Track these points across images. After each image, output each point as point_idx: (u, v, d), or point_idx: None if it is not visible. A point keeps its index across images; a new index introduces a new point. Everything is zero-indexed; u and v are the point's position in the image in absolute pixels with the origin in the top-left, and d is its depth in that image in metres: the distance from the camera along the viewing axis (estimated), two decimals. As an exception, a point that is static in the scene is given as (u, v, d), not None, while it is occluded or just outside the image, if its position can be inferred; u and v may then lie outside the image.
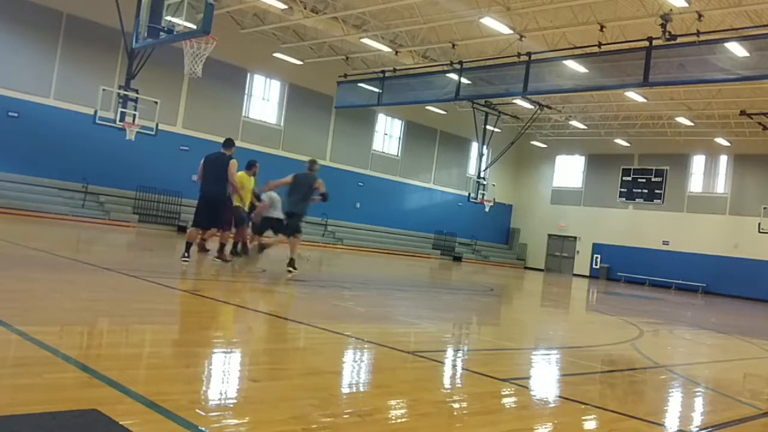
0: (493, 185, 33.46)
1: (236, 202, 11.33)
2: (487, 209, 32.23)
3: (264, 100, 27.78)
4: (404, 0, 20.10)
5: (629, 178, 35.22)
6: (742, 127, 29.86)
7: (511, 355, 5.53)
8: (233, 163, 9.75)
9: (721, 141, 30.84)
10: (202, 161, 10.05)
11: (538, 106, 29.68)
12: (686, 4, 16.90)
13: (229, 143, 10.11)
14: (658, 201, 33.99)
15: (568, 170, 38.21)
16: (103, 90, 19.81)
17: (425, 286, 13.36)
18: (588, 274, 35.81)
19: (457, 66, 22.91)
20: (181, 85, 24.23)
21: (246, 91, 26.96)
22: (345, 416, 2.76)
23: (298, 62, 26.95)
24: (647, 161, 34.64)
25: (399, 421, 2.89)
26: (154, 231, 21.68)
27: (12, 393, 2.50)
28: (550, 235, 38.31)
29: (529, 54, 20.60)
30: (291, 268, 9.73)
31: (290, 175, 10.33)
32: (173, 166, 23.05)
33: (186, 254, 9.51)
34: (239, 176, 10.95)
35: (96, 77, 21.42)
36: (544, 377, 4.65)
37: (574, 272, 36.54)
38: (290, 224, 10.30)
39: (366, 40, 23.63)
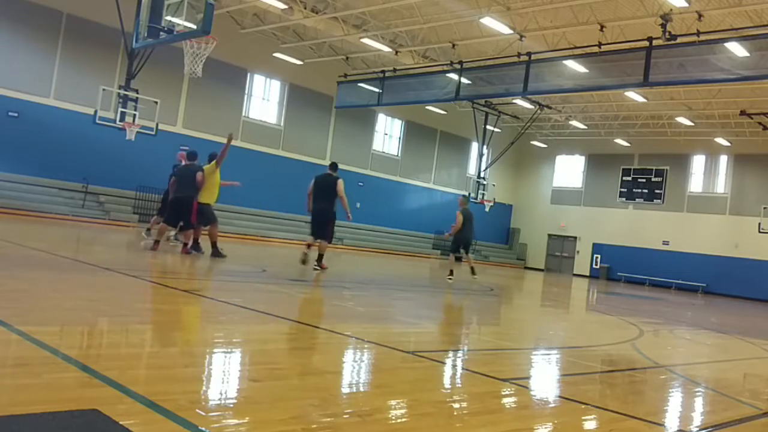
0: (493, 185, 33.48)
1: (205, 200, 11.61)
2: (487, 209, 32.23)
3: (264, 100, 27.79)
4: (404, 0, 20.11)
5: (629, 178, 35.24)
6: (742, 127, 29.87)
7: (511, 355, 5.53)
8: (341, 182, 11.34)
9: (721, 141, 30.85)
10: (312, 181, 11.56)
11: (538, 106, 29.69)
12: (686, 4, 16.91)
13: (334, 166, 11.89)
14: (658, 201, 34.00)
15: (568, 170, 38.22)
16: (103, 90, 19.83)
17: (425, 286, 13.36)
18: (588, 274, 35.82)
19: (457, 66, 22.92)
20: (181, 85, 24.24)
21: (246, 91, 26.97)
22: (345, 416, 2.76)
23: (298, 62, 26.96)
24: (647, 161, 34.65)
25: (399, 421, 2.89)
26: (154, 231, 21.65)
27: (12, 393, 2.50)
28: (550, 235, 38.33)
29: (529, 54, 20.61)
30: (451, 277, 13.59)
31: (460, 215, 14.03)
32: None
33: (316, 265, 11.14)
34: (210, 168, 11.83)
35: (96, 77, 21.44)
36: (544, 377, 4.65)
37: (574, 272, 36.56)
38: (466, 249, 14.20)
39: (366, 40, 23.64)
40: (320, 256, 11.31)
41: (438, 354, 4.89)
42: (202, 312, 5.68)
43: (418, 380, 3.79)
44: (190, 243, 11.72)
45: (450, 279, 13.81)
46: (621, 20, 19.06)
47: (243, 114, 26.91)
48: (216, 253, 11.47)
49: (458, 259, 14.77)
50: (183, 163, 12.25)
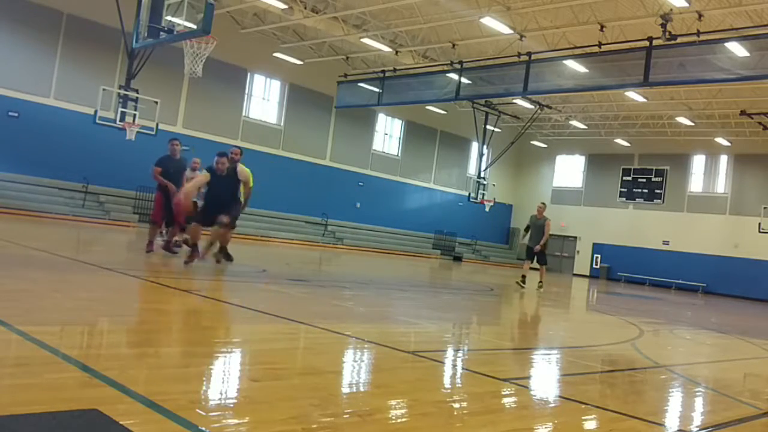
0: (493, 185, 33.47)
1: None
2: (487, 209, 32.24)
3: (264, 100, 27.78)
4: (404, 0, 20.11)
5: (629, 178, 35.23)
6: (743, 127, 29.86)
7: (511, 355, 5.53)
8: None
9: (722, 141, 30.84)
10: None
11: (538, 106, 29.68)
12: (686, 4, 16.90)
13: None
14: (659, 201, 33.99)
15: (568, 170, 38.22)
16: (103, 90, 19.81)
17: (425, 286, 13.37)
18: (588, 274, 35.81)
19: (457, 66, 22.92)
20: (181, 85, 24.23)
21: (246, 91, 26.97)
22: (345, 416, 2.76)
23: (298, 62, 26.96)
24: (647, 161, 34.64)
25: (399, 421, 2.89)
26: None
27: (12, 393, 2.50)
28: (550, 235, 38.24)
29: (529, 54, 20.60)
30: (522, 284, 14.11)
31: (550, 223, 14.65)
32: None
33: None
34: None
35: (96, 77, 21.43)
36: (544, 377, 4.65)
37: (575, 272, 36.55)
38: (538, 259, 14.64)
39: (366, 40, 23.63)
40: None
41: (438, 354, 4.89)
42: (202, 312, 5.68)
43: (418, 380, 3.79)
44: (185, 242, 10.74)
45: (523, 286, 14.35)
46: (621, 20, 19.05)
47: (243, 114, 26.90)
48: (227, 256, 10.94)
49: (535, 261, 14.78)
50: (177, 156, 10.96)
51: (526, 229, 15.02)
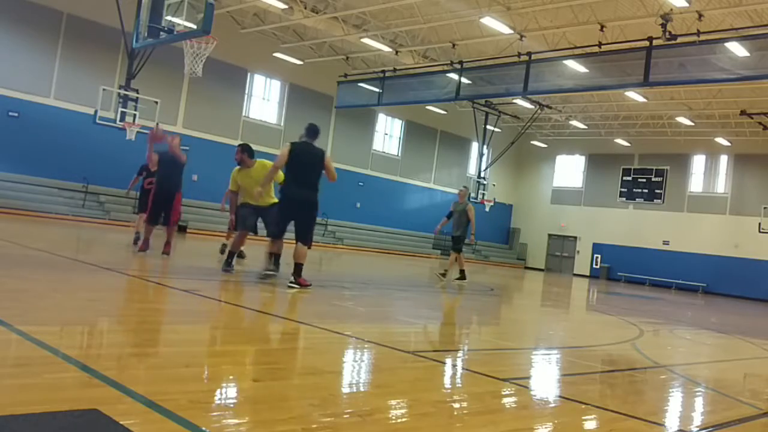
0: (494, 185, 33.47)
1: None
2: (487, 209, 32.23)
3: (264, 99, 27.79)
4: (404, 0, 20.11)
5: (629, 178, 35.23)
6: (743, 127, 29.87)
7: (511, 355, 5.53)
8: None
9: (722, 141, 30.85)
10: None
11: (538, 106, 29.69)
12: (686, 4, 16.90)
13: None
14: (659, 201, 34.00)
15: (569, 170, 38.22)
16: (104, 90, 19.83)
17: (425, 286, 13.36)
18: (588, 274, 35.81)
19: (457, 66, 22.92)
20: (181, 85, 24.23)
21: (246, 91, 26.97)
22: (345, 416, 2.75)
23: (299, 62, 26.96)
24: (647, 161, 34.65)
25: (399, 421, 2.89)
26: (155, 231, 21.62)
27: (12, 393, 2.49)
28: (550, 235, 38.32)
29: (529, 54, 20.61)
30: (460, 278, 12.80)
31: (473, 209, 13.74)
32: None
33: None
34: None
35: (96, 77, 21.43)
36: (544, 377, 4.65)
37: (575, 272, 36.55)
38: (454, 245, 13.58)
39: (366, 40, 23.64)
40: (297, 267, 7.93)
41: (438, 354, 4.89)
42: (202, 312, 5.68)
43: (418, 380, 3.79)
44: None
45: (462, 281, 13.18)
46: (621, 20, 19.05)
47: (243, 114, 26.91)
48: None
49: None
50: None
51: (449, 216, 13.98)
